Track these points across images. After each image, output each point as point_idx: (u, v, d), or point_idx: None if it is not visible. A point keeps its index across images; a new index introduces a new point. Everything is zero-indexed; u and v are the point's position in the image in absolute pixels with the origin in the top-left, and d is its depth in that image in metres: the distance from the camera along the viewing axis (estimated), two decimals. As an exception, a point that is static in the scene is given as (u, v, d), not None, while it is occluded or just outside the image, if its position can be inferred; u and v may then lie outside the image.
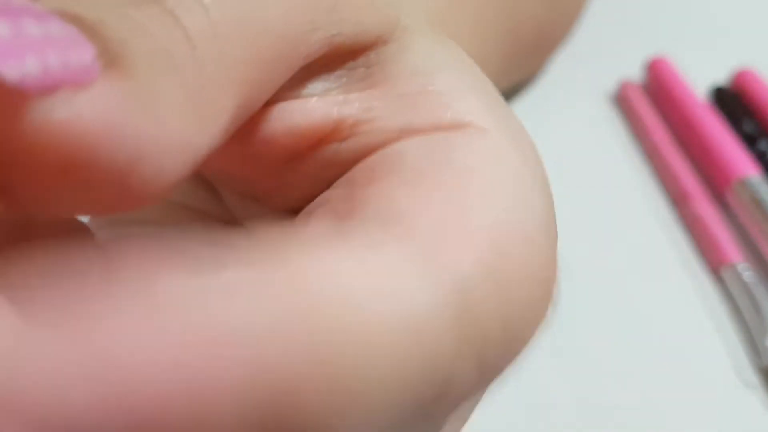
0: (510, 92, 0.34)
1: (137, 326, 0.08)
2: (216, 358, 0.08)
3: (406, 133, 0.13)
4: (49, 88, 0.09)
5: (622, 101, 0.35)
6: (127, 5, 0.10)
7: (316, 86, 0.13)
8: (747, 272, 0.26)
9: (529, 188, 0.12)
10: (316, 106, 0.13)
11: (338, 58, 0.13)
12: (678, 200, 0.30)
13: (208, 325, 0.08)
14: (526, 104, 0.34)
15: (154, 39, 0.10)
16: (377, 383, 0.09)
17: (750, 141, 0.31)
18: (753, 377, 0.23)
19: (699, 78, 0.34)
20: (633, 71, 0.36)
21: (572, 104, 0.35)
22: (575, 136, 0.33)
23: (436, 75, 0.13)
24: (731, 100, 0.33)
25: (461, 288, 0.10)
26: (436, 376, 0.10)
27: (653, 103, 0.34)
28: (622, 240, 0.28)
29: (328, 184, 0.14)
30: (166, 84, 0.10)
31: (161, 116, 0.09)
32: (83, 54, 0.09)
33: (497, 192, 0.12)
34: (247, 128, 0.13)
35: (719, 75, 0.35)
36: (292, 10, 0.12)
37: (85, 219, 0.15)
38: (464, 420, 0.13)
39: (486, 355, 0.10)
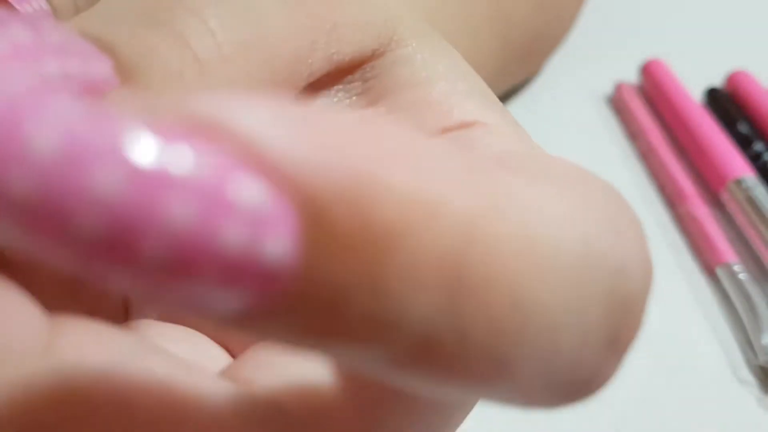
0: (506, 94, 0.34)
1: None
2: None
3: None
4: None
5: (617, 103, 0.35)
6: (140, 28, 0.11)
7: (317, 103, 0.14)
8: (742, 272, 0.26)
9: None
10: None
11: (336, 75, 0.14)
12: (673, 201, 0.30)
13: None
14: (522, 106, 0.34)
15: (165, 60, 0.10)
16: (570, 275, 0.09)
17: (744, 142, 0.31)
18: (748, 375, 0.24)
19: (694, 80, 0.34)
20: (628, 73, 0.36)
21: (568, 106, 0.35)
22: (571, 137, 0.33)
23: (433, 84, 0.14)
24: (726, 102, 0.33)
25: (609, 226, 0.10)
26: (615, 281, 0.10)
27: (648, 105, 0.34)
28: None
29: None
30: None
31: None
32: (101, 66, 0.09)
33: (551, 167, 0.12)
34: None
35: (714, 77, 0.35)
36: (294, 31, 0.12)
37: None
38: (457, 424, 0.13)
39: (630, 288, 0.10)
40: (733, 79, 0.34)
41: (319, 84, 0.14)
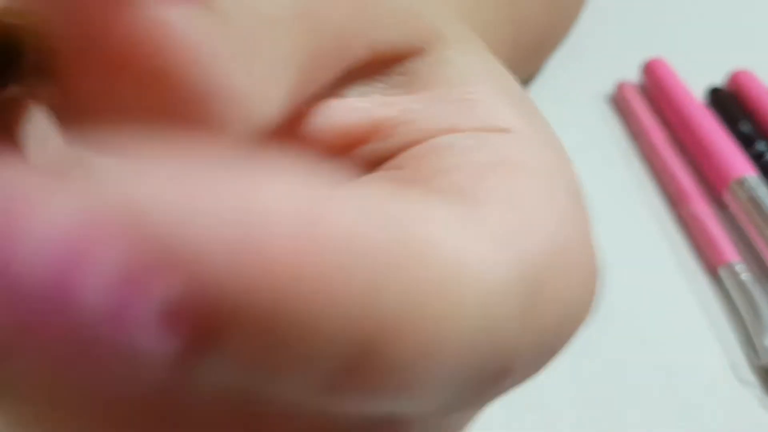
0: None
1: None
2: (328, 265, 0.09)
3: (448, 132, 0.13)
4: None
5: (619, 102, 0.35)
6: None
7: (354, 91, 0.14)
8: (744, 272, 0.26)
9: (577, 192, 0.13)
10: (358, 107, 0.14)
11: (376, 65, 0.14)
12: (675, 201, 0.30)
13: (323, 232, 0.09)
14: (523, 105, 0.34)
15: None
16: (454, 341, 0.10)
17: (747, 142, 0.31)
18: (750, 376, 0.23)
19: (696, 79, 0.34)
20: (630, 72, 0.36)
21: (569, 105, 0.35)
22: (572, 137, 0.33)
23: (473, 86, 0.14)
24: (728, 101, 0.33)
25: (530, 272, 0.11)
26: (503, 351, 0.10)
27: (650, 104, 0.34)
28: (619, 240, 0.28)
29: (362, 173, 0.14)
30: (248, 37, 0.10)
31: (246, 54, 0.10)
32: None
33: (553, 190, 0.12)
34: (289, 125, 0.13)
35: (716, 76, 0.35)
36: (343, 12, 0.12)
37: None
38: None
39: (542, 343, 0.11)
40: (735, 79, 0.34)
41: (358, 73, 0.14)
